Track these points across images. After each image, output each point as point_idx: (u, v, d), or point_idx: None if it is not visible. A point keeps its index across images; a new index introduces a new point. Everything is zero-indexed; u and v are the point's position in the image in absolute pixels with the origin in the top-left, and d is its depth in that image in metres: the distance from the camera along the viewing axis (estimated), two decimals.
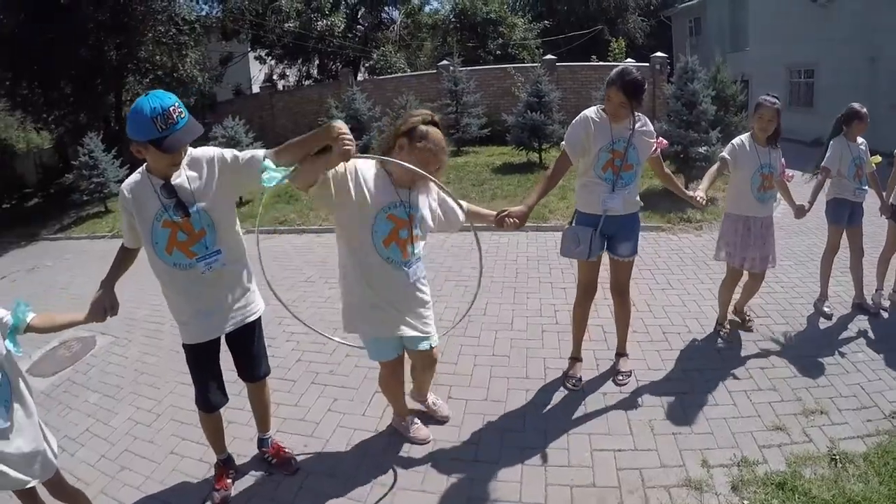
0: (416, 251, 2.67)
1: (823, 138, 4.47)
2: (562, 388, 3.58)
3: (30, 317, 2.29)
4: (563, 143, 3.24)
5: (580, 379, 3.63)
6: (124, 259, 2.59)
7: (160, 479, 3.05)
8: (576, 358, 3.74)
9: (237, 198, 2.61)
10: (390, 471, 2.94)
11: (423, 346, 2.82)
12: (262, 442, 3.10)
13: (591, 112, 3.22)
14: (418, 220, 2.64)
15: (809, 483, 2.65)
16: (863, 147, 4.33)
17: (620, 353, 3.78)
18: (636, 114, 3.17)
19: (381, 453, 3.09)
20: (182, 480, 3.03)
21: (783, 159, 3.84)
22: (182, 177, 2.40)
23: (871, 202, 4.55)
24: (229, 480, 2.91)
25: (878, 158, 4.40)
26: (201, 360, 2.68)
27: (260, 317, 2.78)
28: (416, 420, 3.22)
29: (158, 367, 4.38)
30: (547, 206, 7.89)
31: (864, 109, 4.26)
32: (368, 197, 2.49)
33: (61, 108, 16.10)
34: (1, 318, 2.23)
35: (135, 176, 2.44)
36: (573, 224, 3.39)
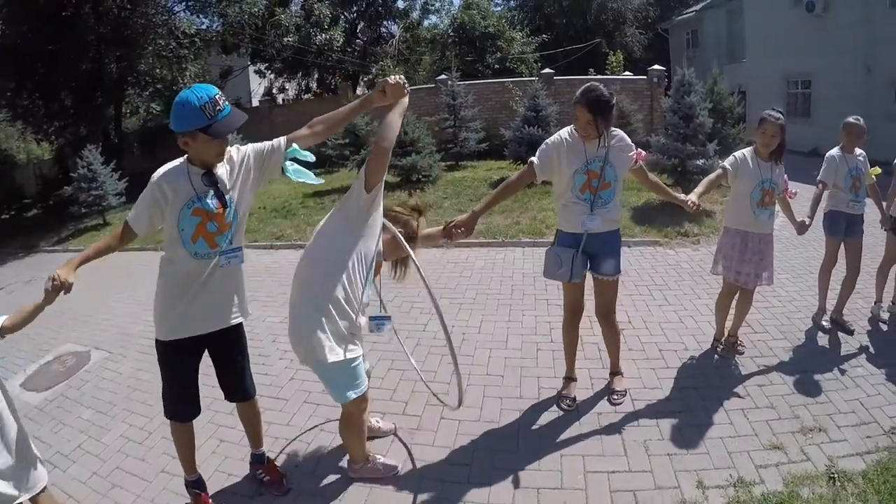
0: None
1: (821, 149, 4.46)
2: (556, 408, 3.55)
3: (1, 319, 2.27)
4: (534, 159, 3.19)
5: (574, 399, 3.59)
6: (115, 241, 2.44)
7: (150, 498, 3.03)
8: (570, 378, 3.70)
9: (257, 192, 2.68)
10: (381, 493, 2.91)
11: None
12: (255, 457, 3.05)
13: (564, 133, 3.21)
14: None
15: (808, 503, 2.62)
16: (861, 158, 4.33)
17: (614, 372, 3.75)
18: (611, 129, 3.16)
19: None
20: (173, 500, 2.99)
21: (786, 175, 3.83)
22: (223, 168, 2.47)
23: (873, 215, 4.56)
24: (211, 501, 2.88)
25: (878, 170, 4.39)
26: (176, 360, 2.62)
27: (242, 324, 2.78)
28: (377, 455, 3.05)
29: (151, 384, 4.33)
30: (544, 221, 7.89)
31: (860, 121, 4.27)
32: (378, 233, 2.66)
33: (62, 120, 16.24)
34: None
35: (174, 162, 2.46)
36: (555, 244, 3.37)
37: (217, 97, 2.30)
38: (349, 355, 2.59)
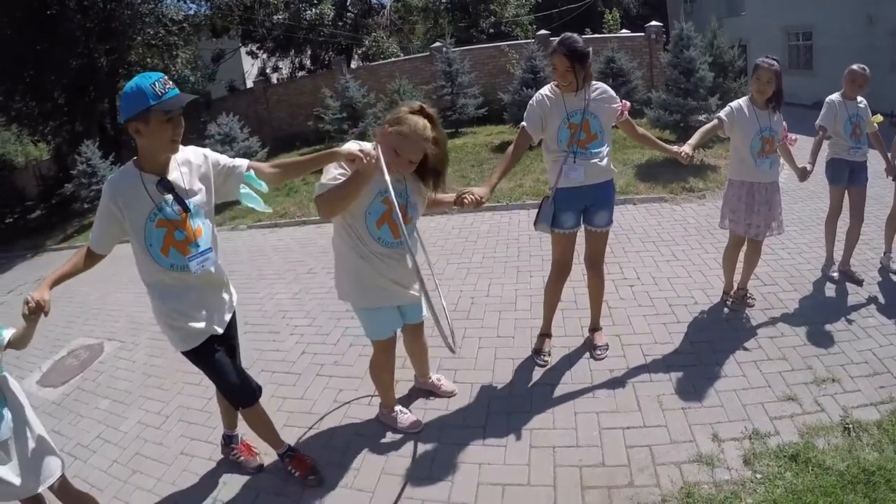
0: (407, 232, 2.71)
1: (824, 100, 4.38)
2: (569, 368, 3.54)
3: (8, 333, 2.27)
4: (524, 122, 3.24)
5: (549, 353, 3.65)
6: (82, 263, 2.32)
7: (171, 481, 3.07)
8: (546, 334, 3.74)
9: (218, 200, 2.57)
10: (397, 459, 2.94)
11: (420, 316, 3.03)
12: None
13: (545, 90, 3.23)
14: (410, 205, 2.72)
15: (823, 454, 2.61)
16: (862, 106, 4.24)
17: (594, 328, 3.78)
18: (591, 82, 3.17)
19: (387, 442, 3.08)
20: (193, 481, 3.03)
21: (785, 123, 3.75)
22: (176, 172, 2.34)
23: (878, 165, 4.47)
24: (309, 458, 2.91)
25: (880, 118, 4.30)
26: (208, 358, 2.55)
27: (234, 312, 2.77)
28: (403, 409, 3.22)
29: (165, 369, 4.40)
30: (547, 182, 7.80)
31: (865, 70, 4.16)
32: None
33: (56, 119, 16.23)
34: None
35: (121, 173, 2.32)
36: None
37: (163, 79, 2.18)
38: (367, 305, 2.77)
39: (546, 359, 3.62)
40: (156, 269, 2.37)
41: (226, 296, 2.65)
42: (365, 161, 2.29)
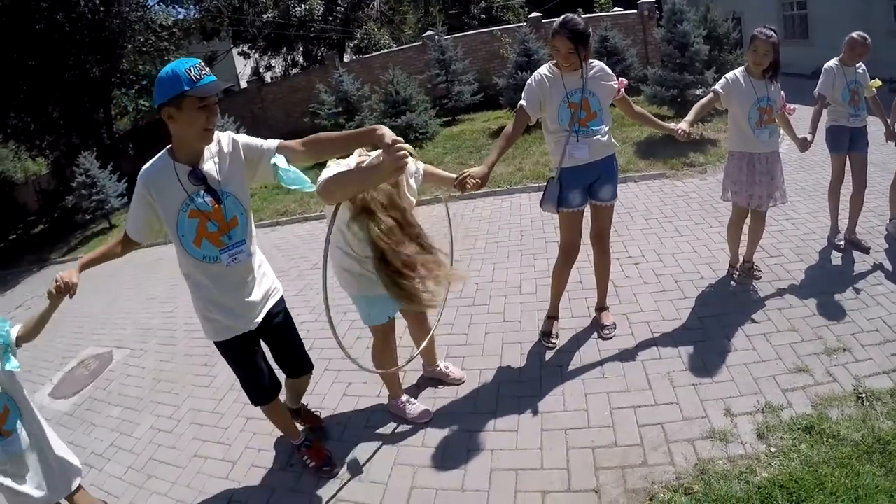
0: None
1: (822, 68, 4.32)
2: (578, 349, 3.53)
3: (15, 330, 2.28)
4: (522, 101, 3.21)
5: (557, 335, 3.66)
6: (119, 248, 2.37)
7: (186, 483, 3.09)
8: (553, 317, 3.74)
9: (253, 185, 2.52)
10: (409, 449, 2.94)
11: None
12: (293, 412, 3.14)
13: (543, 69, 3.22)
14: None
15: (837, 424, 2.59)
16: (860, 71, 4.20)
17: (601, 307, 3.77)
18: (589, 61, 3.16)
19: (398, 433, 3.09)
20: (208, 482, 3.05)
21: (783, 92, 3.71)
22: (210, 162, 2.30)
23: (879, 133, 4.42)
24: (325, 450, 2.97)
25: (878, 82, 4.24)
26: (239, 353, 2.58)
27: (282, 298, 2.72)
28: (412, 399, 3.23)
29: (175, 374, 4.42)
30: (546, 165, 7.76)
31: (866, 40, 4.11)
32: None
33: (53, 132, 16.26)
34: None
35: (156, 161, 2.27)
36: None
37: (200, 64, 2.13)
38: (359, 293, 2.82)
39: (554, 341, 3.63)
40: (190, 261, 2.35)
41: (263, 288, 2.58)
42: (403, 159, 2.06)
